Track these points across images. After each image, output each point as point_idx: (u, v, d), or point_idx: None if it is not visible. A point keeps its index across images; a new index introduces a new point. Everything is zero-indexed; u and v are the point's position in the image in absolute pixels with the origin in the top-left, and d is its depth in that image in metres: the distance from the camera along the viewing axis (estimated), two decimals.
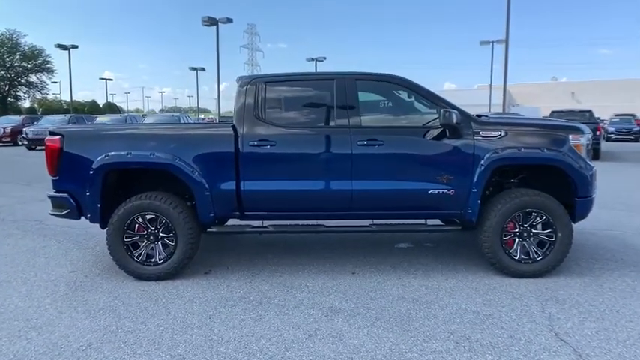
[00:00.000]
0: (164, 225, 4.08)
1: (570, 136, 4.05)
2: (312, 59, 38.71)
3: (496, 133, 4.00)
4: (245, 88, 4.15)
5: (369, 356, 2.81)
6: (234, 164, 4.04)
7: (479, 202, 3.99)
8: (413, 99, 4.23)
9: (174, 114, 22.25)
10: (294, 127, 4.12)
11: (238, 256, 4.81)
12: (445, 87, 76.22)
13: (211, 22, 22.87)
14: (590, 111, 16.38)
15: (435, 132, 4.01)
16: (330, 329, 3.17)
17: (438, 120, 4.05)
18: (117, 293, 3.87)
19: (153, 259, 4.13)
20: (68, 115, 22.46)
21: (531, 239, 4.08)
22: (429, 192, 4.01)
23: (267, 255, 4.86)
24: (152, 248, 4.16)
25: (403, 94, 4.25)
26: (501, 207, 4.00)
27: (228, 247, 5.13)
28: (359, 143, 3.98)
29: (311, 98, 4.32)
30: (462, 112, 3.97)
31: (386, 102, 4.40)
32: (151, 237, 4.13)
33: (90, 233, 5.81)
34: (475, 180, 3.96)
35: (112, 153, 4.01)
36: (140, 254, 4.13)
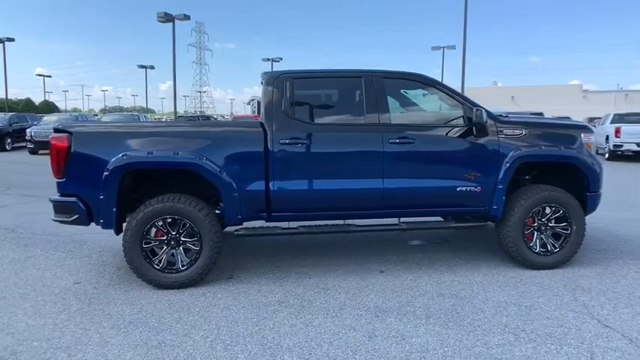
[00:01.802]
0: (187, 229, 3.83)
1: (582, 135, 4.30)
2: (269, 59, 38.27)
3: (518, 132, 4.15)
4: (272, 84, 3.99)
5: (439, 354, 2.80)
6: (263, 163, 3.87)
7: (504, 198, 4.13)
8: (438, 97, 4.28)
9: (134, 113, 20.99)
10: (325, 125, 4.02)
11: (256, 259, 4.62)
12: None
13: (167, 18, 21.83)
14: (541, 113, 17.57)
15: (462, 130, 4.09)
16: (387, 329, 3.12)
17: (461, 118, 4.15)
18: (140, 304, 3.57)
19: (175, 266, 3.86)
20: (9, 114, 20.47)
21: (547, 232, 4.28)
22: (457, 189, 4.09)
23: (285, 257, 4.71)
24: (173, 254, 3.88)
25: (428, 93, 4.29)
26: (524, 202, 4.16)
27: (239, 250, 4.91)
28: (390, 141, 3.97)
29: (339, 95, 4.24)
30: (487, 111, 4.08)
31: (413, 100, 4.42)
32: (172, 242, 3.86)
33: (76, 240, 5.35)
34: (500, 177, 4.09)
35: (131, 152, 3.70)
36: (160, 261, 3.84)
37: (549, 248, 4.27)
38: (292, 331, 3.11)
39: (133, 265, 3.80)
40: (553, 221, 4.28)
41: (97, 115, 17.33)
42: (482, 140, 4.09)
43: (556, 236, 4.30)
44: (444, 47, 33.04)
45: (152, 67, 41.81)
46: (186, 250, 3.89)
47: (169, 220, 3.80)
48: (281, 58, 38.59)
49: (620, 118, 15.36)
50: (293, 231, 4.10)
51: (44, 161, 15.68)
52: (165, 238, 3.85)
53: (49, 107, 46.51)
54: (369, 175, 3.99)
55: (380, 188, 4.00)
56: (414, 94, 4.37)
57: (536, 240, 4.27)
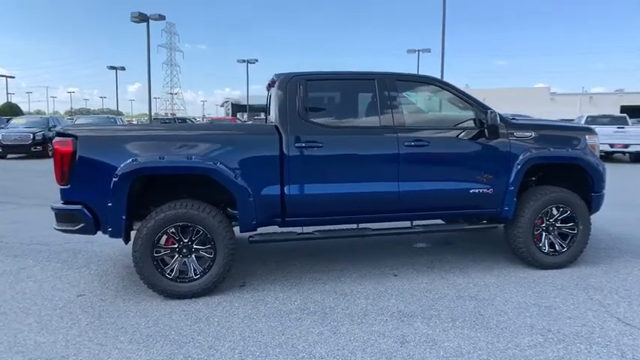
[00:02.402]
0: (200, 236, 3.69)
1: (587, 137, 4.41)
2: (244, 60, 37.82)
3: (528, 134, 4.22)
4: (286, 86, 3.90)
5: (474, 358, 2.79)
6: (279, 167, 3.78)
7: (515, 199, 4.18)
8: (448, 99, 4.29)
9: (110, 116, 20.23)
10: (340, 128, 3.96)
11: (265, 265, 4.51)
12: None
13: (142, 18, 21.15)
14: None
15: (475, 132, 4.12)
16: (416, 335, 3.09)
17: (472, 120, 4.18)
18: (155, 316, 3.41)
19: (187, 275, 3.71)
20: None
21: (555, 232, 4.37)
22: (470, 191, 4.11)
23: (294, 262, 4.62)
24: (184, 263, 3.73)
25: (440, 95, 4.30)
26: (533, 203, 4.23)
27: (246, 256, 4.78)
28: (405, 144, 3.95)
29: (354, 98, 4.19)
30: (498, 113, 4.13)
31: (424, 102, 4.42)
32: (184, 250, 3.71)
33: (69, 250, 5.09)
34: (512, 178, 4.14)
35: (141, 157, 3.53)
36: (172, 270, 3.68)
37: (557, 248, 4.36)
38: (321, 340, 3.03)
39: (144, 275, 3.63)
40: (560, 221, 4.37)
41: (71, 118, 16.40)
42: (494, 142, 4.13)
43: (563, 236, 4.38)
44: (419, 50, 33.57)
45: (123, 69, 40.55)
46: (199, 258, 3.75)
47: (182, 227, 3.65)
48: (256, 60, 38.27)
49: (592, 120, 15.98)
50: (308, 236, 4.02)
51: (16, 166, 14.95)
52: (176, 246, 3.70)
53: (11, 109, 44.27)
54: (385, 178, 3.96)
55: (395, 191, 3.97)
56: (425, 97, 4.37)
57: (544, 240, 4.35)
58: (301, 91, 3.90)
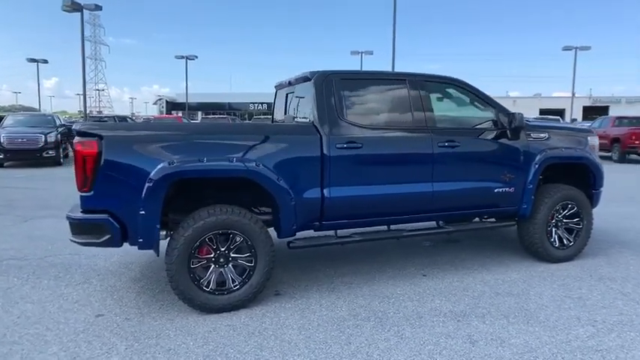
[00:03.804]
0: (239, 243, 3.43)
1: (589, 138, 4.75)
2: (183, 56, 36.07)
3: (543, 135, 4.44)
4: (322, 84, 3.75)
5: (547, 352, 2.86)
6: (319, 168, 3.62)
7: (532, 197, 4.38)
8: (470, 101, 4.39)
9: (47, 114, 18.14)
10: (377, 128, 3.88)
11: (287, 272, 4.31)
12: None
13: (75, 7, 19.29)
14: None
15: (498, 133, 4.26)
16: (480, 333, 3.11)
17: (491, 121, 4.32)
18: (200, 334, 3.11)
19: (225, 287, 3.44)
20: None
21: (562, 228, 4.65)
22: (495, 190, 4.24)
23: (316, 266, 4.48)
24: (221, 273, 3.45)
25: (463, 96, 4.38)
26: (548, 200, 4.47)
27: None
28: (439, 144, 3.98)
29: (386, 98, 4.12)
30: None
31: (450, 103, 4.48)
32: (221, 259, 3.43)
33: (55, 264, 4.54)
34: (530, 177, 4.33)
35: (178, 160, 3.20)
36: (209, 282, 3.39)
37: (565, 242, 4.64)
38: (393, 346, 2.94)
39: (179, 290, 3.30)
40: (567, 217, 4.64)
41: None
42: (516, 143, 4.30)
43: (569, 231, 4.68)
44: (362, 52, 34.36)
45: (45, 62, 36.98)
46: (236, 267, 3.49)
47: (220, 234, 3.38)
48: (196, 56, 36.75)
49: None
50: (348, 239, 3.90)
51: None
52: (212, 255, 3.41)
53: None
54: (421, 178, 3.96)
55: (429, 191, 3.99)
56: (450, 98, 4.43)
57: (555, 235, 4.61)
58: (337, 89, 3.77)
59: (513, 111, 4.29)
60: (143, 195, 3.13)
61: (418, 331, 3.14)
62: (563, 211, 4.61)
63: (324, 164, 3.63)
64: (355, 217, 3.86)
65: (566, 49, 32.90)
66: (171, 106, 55.67)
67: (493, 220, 4.58)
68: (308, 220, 3.70)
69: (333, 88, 3.77)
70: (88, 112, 26.46)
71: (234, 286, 3.44)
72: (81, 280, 4.11)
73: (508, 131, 4.25)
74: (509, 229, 4.97)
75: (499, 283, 4.06)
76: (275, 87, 5.04)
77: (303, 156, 3.59)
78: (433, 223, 4.49)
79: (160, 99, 58.10)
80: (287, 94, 4.64)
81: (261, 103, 54.38)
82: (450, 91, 4.35)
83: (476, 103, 4.39)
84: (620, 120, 17.38)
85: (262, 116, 32.68)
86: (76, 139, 3.14)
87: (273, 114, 5.17)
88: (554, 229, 4.61)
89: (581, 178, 4.76)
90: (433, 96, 4.17)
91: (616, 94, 54.57)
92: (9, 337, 3.05)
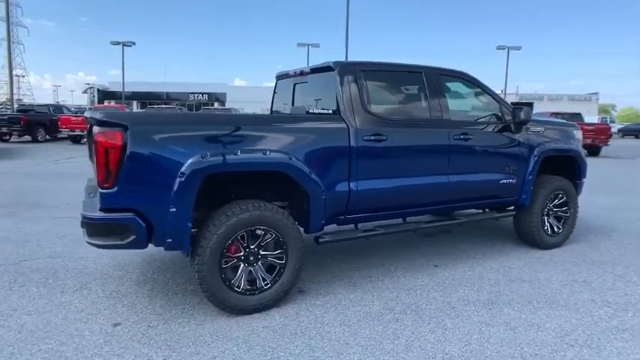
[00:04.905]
0: (270, 240, 3.26)
1: (575, 131, 5.07)
2: (119, 42, 33.59)
3: (540, 129, 4.68)
4: (348, 75, 3.65)
5: (586, 335, 3.00)
6: (347, 161, 3.53)
7: (531, 187, 4.61)
8: (475, 95, 4.51)
9: None
10: (400, 120, 3.85)
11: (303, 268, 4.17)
12: (235, 83, 77.13)
13: None
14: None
15: (503, 126, 4.42)
16: (515, 320, 3.21)
17: (494, 115, 4.47)
18: (240, 338, 2.91)
19: (255, 286, 3.25)
20: None
21: (552, 216, 4.95)
22: (501, 182, 4.41)
23: (327, 261, 4.39)
24: (250, 272, 3.26)
25: (470, 90, 4.48)
26: (543, 191, 4.72)
27: None
28: (455, 136, 4.05)
29: (406, 89, 4.10)
30: None
31: (460, 97, 4.55)
32: (250, 257, 3.24)
33: (38, 269, 4.07)
34: (530, 169, 4.55)
35: (211, 152, 2.96)
36: (240, 282, 3.19)
37: (555, 230, 4.95)
38: (441, 337, 2.95)
39: (211, 292, 3.07)
40: (557, 206, 4.95)
41: None
42: (519, 136, 4.48)
43: (558, 219, 4.99)
44: (308, 45, 34.27)
45: None
46: (264, 266, 3.31)
47: (251, 231, 3.18)
48: (134, 43, 34.46)
49: None
50: (372, 233, 3.85)
51: None
52: (242, 253, 3.21)
53: None
54: (439, 170, 4.00)
55: (445, 183, 4.05)
56: (459, 91, 4.52)
57: (547, 224, 4.90)
58: (362, 81, 3.69)
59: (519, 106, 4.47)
60: (174, 191, 2.86)
61: (457, 322, 3.18)
62: (554, 200, 4.90)
63: (352, 156, 3.55)
64: (377, 210, 3.83)
65: (500, 48, 35.19)
66: (103, 95, 51.89)
67: (495, 211, 4.76)
68: (335, 214, 3.60)
69: (358, 78, 3.68)
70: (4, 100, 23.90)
71: (265, 286, 3.27)
72: (77, 286, 3.69)
73: (512, 125, 4.43)
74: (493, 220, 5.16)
75: (507, 271, 4.24)
76: (276, 77, 4.84)
77: (332, 147, 3.48)
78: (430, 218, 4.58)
79: (90, 87, 53.75)
80: (294, 85, 4.48)
81: (202, 94, 52.32)
82: (460, 84, 4.44)
83: (481, 96, 4.51)
84: (556, 115, 18.91)
85: (212, 107, 31.33)
86: (97, 129, 2.78)
87: (272, 105, 4.96)
88: (545, 218, 4.90)
89: (567, 168, 5.08)
90: (446, 89, 4.22)
91: (538, 92, 59.40)
92: (19, 356, 2.66)
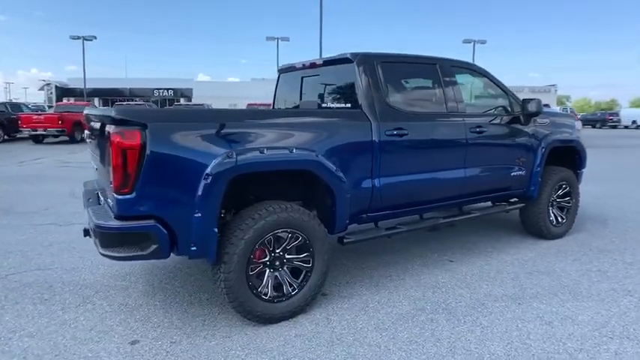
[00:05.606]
0: (296, 243, 3.07)
1: (575, 122, 5.13)
2: (79, 37, 31.89)
3: (546, 121, 4.69)
4: (366, 67, 3.49)
5: (620, 326, 2.99)
6: (370, 157, 3.38)
7: (539, 179, 4.62)
8: (484, 87, 4.46)
9: None
10: (419, 114, 3.73)
11: None
12: (199, 78, 75.09)
13: None
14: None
15: (513, 118, 4.39)
16: (548, 313, 3.18)
17: (502, 107, 4.44)
18: (273, 349, 2.72)
19: (282, 292, 3.06)
20: None
21: (556, 207, 5.00)
22: (512, 174, 4.39)
23: (342, 260, 4.25)
24: (276, 278, 3.07)
25: (480, 82, 4.42)
26: (550, 182, 4.75)
27: None
28: (471, 130, 3.97)
29: (423, 82, 3.97)
30: None
31: (471, 89, 4.48)
32: (276, 262, 3.04)
33: (29, 284, 3.74)
34: (538, 160, 4.56)
35: (237, 151, 2.73)
36: (267, 289, 2.99)
37: (559, 220, 5.00)
38: (482, 336, 2.87)
39: (238, 302, 2.86)
40: (560, 197, 5.00)
41: None
42: (528, 128, 4.47)
43: (561, 209, 5.04)
44: (278, 38, 33.79)
45: None
46: (289, 270, 3.13)
47: (279, 235, 2.98)
48: (95, 37, 32.87)
49: None
50: (394, 231, 3.73)
51: None
52: (267, 258, 3.01)
53: None
54: (457, 164, 3.92)
55: (462, 177, 3.98)
56: (472, 84, 4.45)
57: (552, 214, 4.93)
58: (381, 73, 3.54)
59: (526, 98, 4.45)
60: (199, 194, 2.62)
61: (492, 319, 3.11)
62: (558, 190, 4.95)
63: (374, 152, 3.40)
64: (398, 207, 3.70)
65: (466, 41, 35.92)
66: (62, 92, 49.34)
67: (505, 203, 4.74)
68: (358, 212, 3.45)
69: (377, 71, 3.53)
70: None
71: (292, 292, 3.08)
72: (78, 301, 3.38)
73: (521, 117, 4.41)
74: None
75: (522, 263, 4.22)
76: (279, 71, 4.62)
77: (355, 143, 3.31)
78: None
79: (47, 84, 50.96)
80: (302, 78, 4.27)
81: (167, 89, 50.65)
82: (471, 76, 4.37)
83: (491, 88, 4.47)
84: None
85: (184, 103, 30.14)
86: (112, 128, 2.50)
87: (275, 99, 4.74)
88: (550, 209, 4.93)
89: (569, 159, 5.14)
90: (459, 81, 4.13)
91: None
92: None
